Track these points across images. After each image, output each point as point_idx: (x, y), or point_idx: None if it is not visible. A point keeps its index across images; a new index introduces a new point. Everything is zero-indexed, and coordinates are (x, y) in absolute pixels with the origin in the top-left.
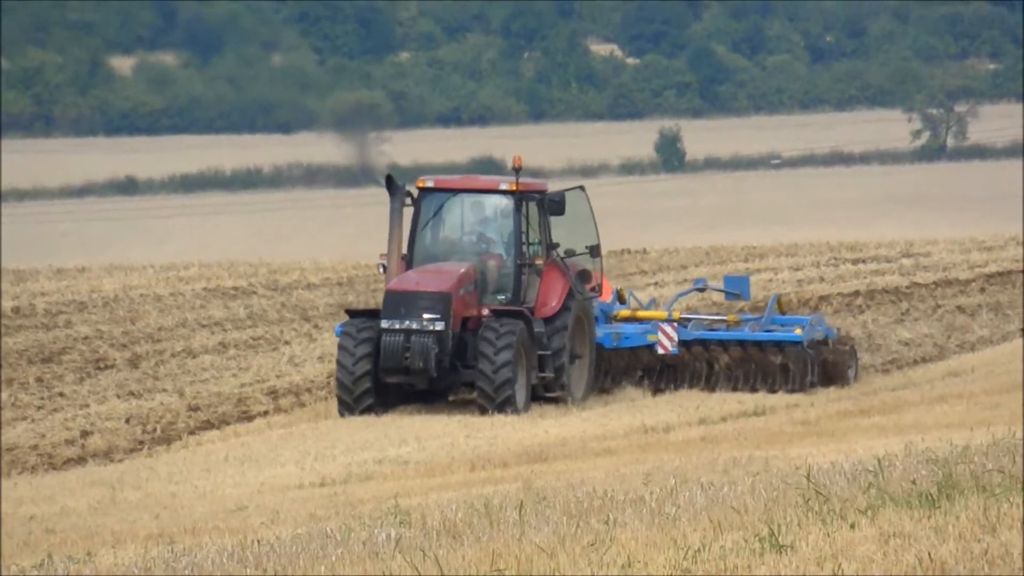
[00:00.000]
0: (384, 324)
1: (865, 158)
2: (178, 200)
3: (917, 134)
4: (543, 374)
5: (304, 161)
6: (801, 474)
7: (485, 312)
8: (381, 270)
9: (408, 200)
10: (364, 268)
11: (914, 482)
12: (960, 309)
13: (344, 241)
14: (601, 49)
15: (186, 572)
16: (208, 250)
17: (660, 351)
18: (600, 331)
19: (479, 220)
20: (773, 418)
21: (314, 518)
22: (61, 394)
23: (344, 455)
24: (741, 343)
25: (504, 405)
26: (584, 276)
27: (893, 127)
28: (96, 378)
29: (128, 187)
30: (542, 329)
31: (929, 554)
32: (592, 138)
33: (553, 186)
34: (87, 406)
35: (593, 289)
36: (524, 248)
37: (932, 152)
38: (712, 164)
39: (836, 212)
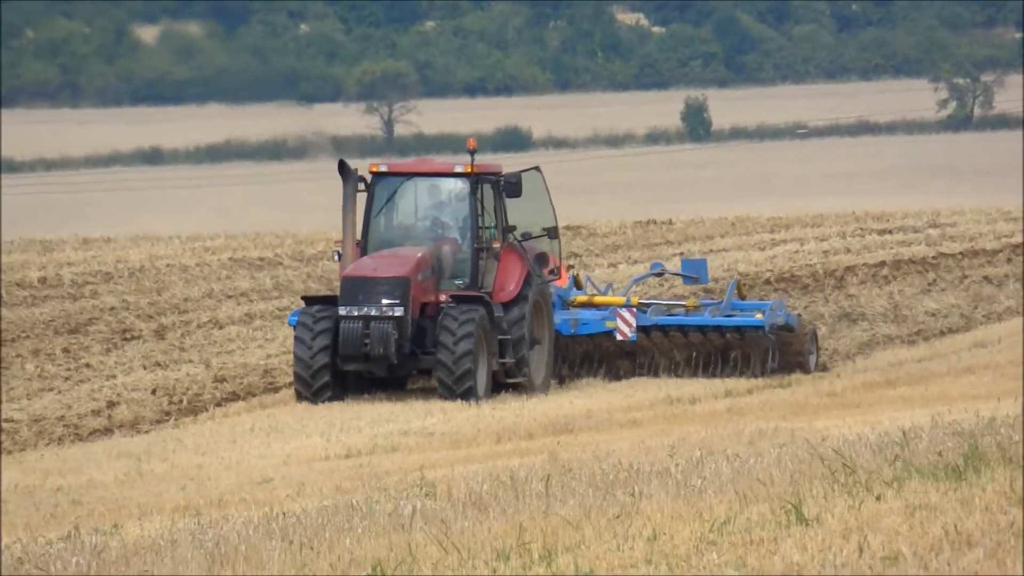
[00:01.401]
0: (342, 311)
1: (891, 128)
2: (203, 170)
3: (943, 104)
4: (503, 360)
5: (329, 131)
6: (827, 446)
7: (443, 297)
8: (336, 257)
9: (361, 185)
10: None
11: (940, 454)
12: (987, 279)
13: None
14: (627, 18)
15: (212, 544)
16: (234, 220)
17: (619, 337)
18: (557, 317)
19: (434, 204)
20: (799, 390)
21: (340, 490)
22: (87, 365)
23: (369, 427)
24: (701, 328)
25: (465, 395)
26: (542, 259)
27: (919, 96)
28: (122, 349)
29: (153, 157)
30: (502, 314)
31: (955, 526)
32: (618, 108)
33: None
34: (113, 377)
35: (551, 272)
36: (480, 232)
37: (958, 122)
38: (738, 134)
39: (862, 182)
